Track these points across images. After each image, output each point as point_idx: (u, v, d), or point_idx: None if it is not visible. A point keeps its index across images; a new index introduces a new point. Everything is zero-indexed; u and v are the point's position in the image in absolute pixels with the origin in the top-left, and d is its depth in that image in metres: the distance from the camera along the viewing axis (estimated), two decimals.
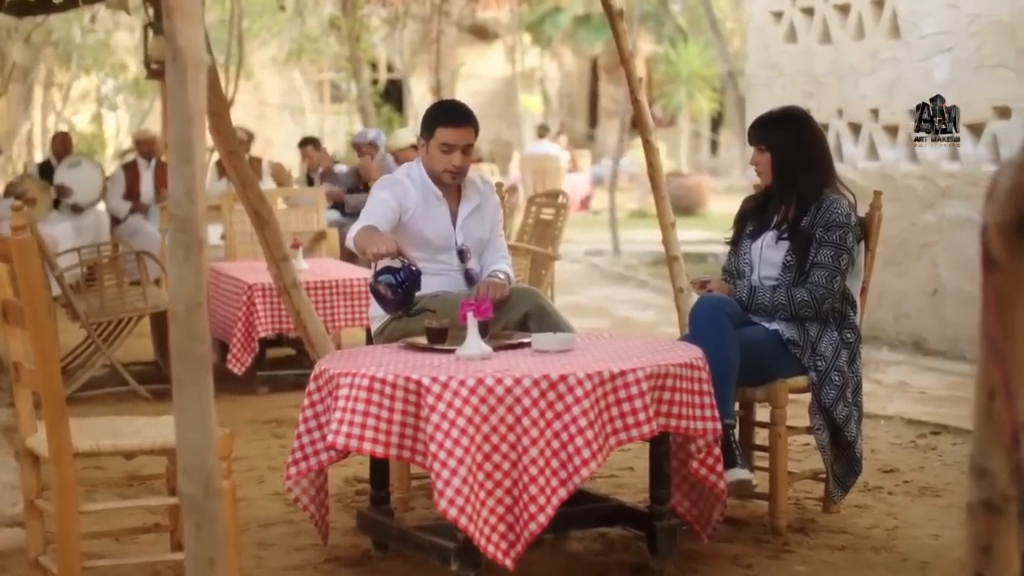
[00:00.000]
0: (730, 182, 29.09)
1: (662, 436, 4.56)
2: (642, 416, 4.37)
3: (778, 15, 10.63)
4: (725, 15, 24.44)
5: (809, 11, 10.28)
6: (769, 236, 5.36)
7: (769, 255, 5.34)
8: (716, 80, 26.31)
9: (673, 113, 28.89)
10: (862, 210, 5.50)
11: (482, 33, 29.52)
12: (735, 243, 5.54)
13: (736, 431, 5.16)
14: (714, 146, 34.14)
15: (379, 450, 4.38)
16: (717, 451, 4.70)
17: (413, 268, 5.09)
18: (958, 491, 5.75)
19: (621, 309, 12.48)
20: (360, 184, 12.23)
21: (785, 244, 5.29)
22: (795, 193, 5.31)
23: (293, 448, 4.69)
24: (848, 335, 5.27)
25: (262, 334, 7.89)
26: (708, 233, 17.95)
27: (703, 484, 4.77)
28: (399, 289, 5.07)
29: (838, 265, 5.19)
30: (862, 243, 5.37)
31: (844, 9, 9.91)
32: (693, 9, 28.45)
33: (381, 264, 5.13)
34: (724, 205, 22.95)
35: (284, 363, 8.82)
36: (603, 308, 12.45)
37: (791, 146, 5.32)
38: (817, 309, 5.18)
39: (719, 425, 4.64)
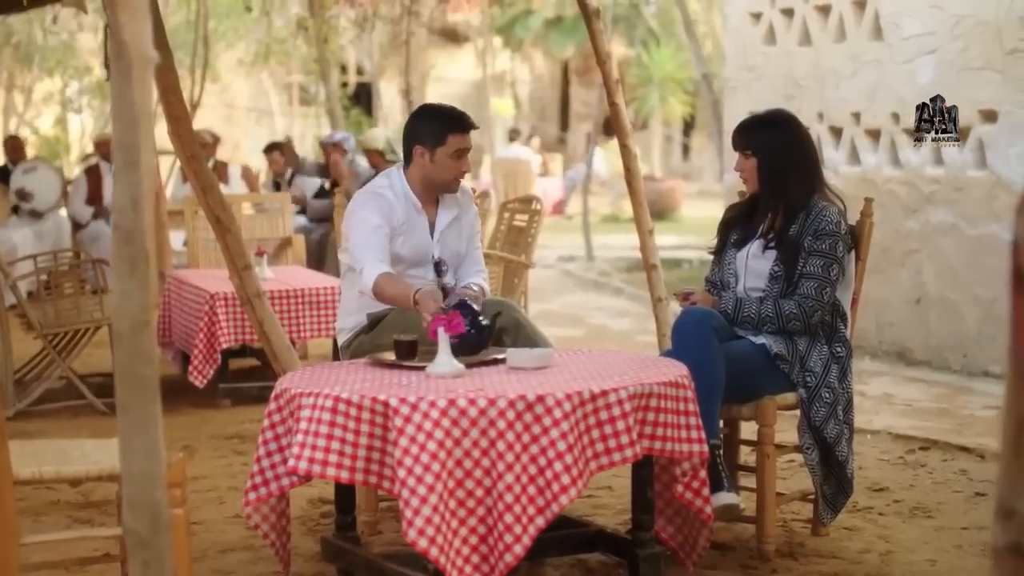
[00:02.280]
0: (702, 186, 28.95)
1: (645, 459, 4.30)
2: (625, 439, 4.10)
3: (757, 16, 10.39)
4: (698, 18, 24.21)
5: (789, 12, 10.04)
6: (755, 245, 5.09)
7: (755, 265, 5.07)
8: (689, 83, 26.11)
9: (645, 117, 28.67)
10: (851, 218, 5.25)
11: (452, 36, 29.26)
12: (719, 253, 5.27)
13: (722, 451, 4.89)
14: (686, 150, 33.96)
15: (344, 475, 4.11)
16: (703, 474, 4.43)
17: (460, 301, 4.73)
18: (951, 512, 5.52)
19: (596, 317, 12.23)
20: (325, 182, 12.01)
21: (772, 254, 5.03)
22: (783, 200, 5.05)
23: (252, 472, 4.41)
24: (839, 349, 5.00)
25: (225, 345, 7.59)
26: (682, 238, 17.76)
27: (688, 509, 4.51)
28: (471, 330, 4.67)
29: (828, 275, 4.92)
30: (853, 252, 5.11)
31: (825, 10, 9.67)
32: (665, 12, 28.24)
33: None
34: (698, 210, 22.80)
35: (248, 374, 8.52)
36: (577, 316, 12.19)
37: (779, 151, 5.06)
38: (806, 322, 4.92)
39: (705, 448, 4.38)
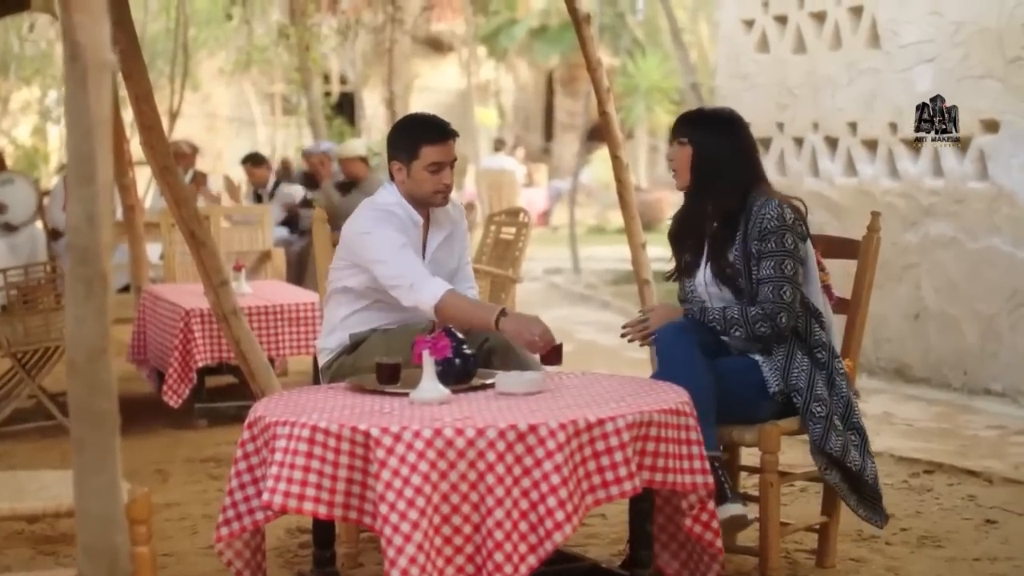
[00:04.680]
0: None
1: (644, 492, 4.01)
2: (623, 471, 3.82)
3: (749, 23, 10.13)
4: (684, 27, 23.98)
5: (782, 19, 9.79)
6: (708, 276, 4.76)
7: (717, 291, 4.77)
8: (675, 93, 25.89)
9: (631, 126, 28.43)
10: (856, 233, 4.98)
11: (436, 45, 29.02)
12: (680, 273, 4.95)
13: (720, 462, 4.57)
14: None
15: (322, 510, 3.83)
16: (711, 506, 4.16)
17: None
18: (962, 541, 5.25)
19: (584, 332, 11.95)
20: (308, 192, 11.85)
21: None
22: (711, 199, 4.72)
23: (224, 506, 4.12)
24: (820, 354, 4.64)
25: (200, 364, 7.31)
26: (670, 250, 17.48)
27: (697, 543, 4.22)
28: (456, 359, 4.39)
29: (783, 273, 4.57)
30: (808, 242, 4.75)
31: (820, 17, 9.42)
32: (650, 21, 28.01)
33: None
34: None
35: (225, 393, 8.23)
36: (565, 331, 11.89)
37: (715, 147, 4.72)
38: (774, 324, 4.56)
39: (710, 479, 4.10)
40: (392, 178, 5.06)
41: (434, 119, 5.11)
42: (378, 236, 4.89)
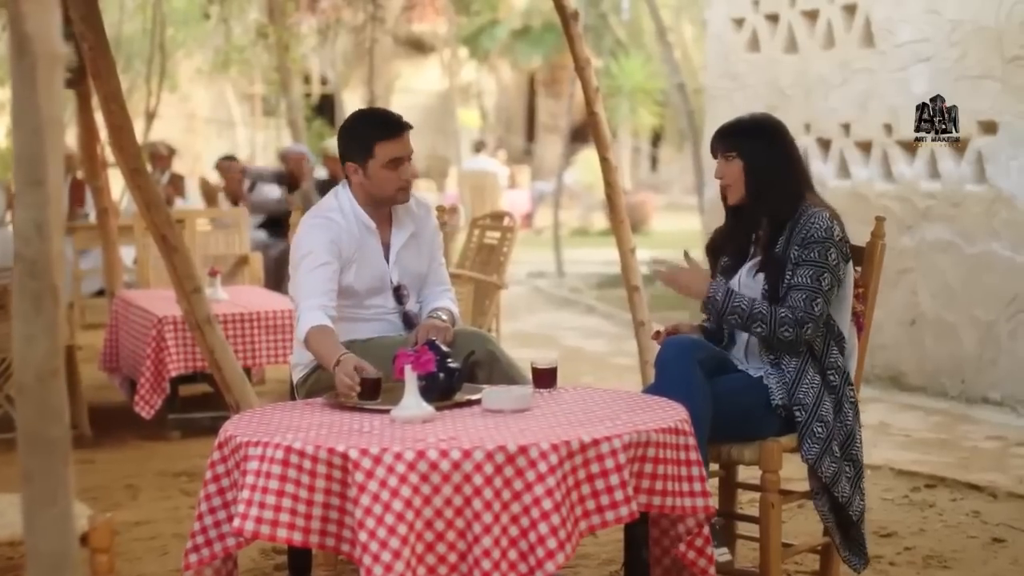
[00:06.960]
0: (671, 199, 28.53)
1: (641, 516, 3.77)
2: (619, 495, 3.58)
3: (739, 22, 9.90)
4: (668, 26, 23.76)
5: (774, 18, 9.56)
6: (745, 270, 4.56)
7: (748, 293, 4.52)
8: (659, 94, 25.69)
9: (614, 128, 28.22)
10: (860, 239, 4.74)
11: (418, 46, 28.80)
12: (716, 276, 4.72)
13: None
14: (654, 162, 33.58)
15: (297, 537, 3.57)
16: (707, 530, 3.91)
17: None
18: (969, 561, 5.03)
19: (569, 337, 11.69)
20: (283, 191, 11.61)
21: (763, 276, 4.50)
22: (768, 209, 4.51)
23: (193, 531, 3.87)
24: (832, 377, 4.42)
25: (173, 373, 7.03)
26: (655, 253, 17.26)
27: (688, 569, 3.97)
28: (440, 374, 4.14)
29: (819, 286, 4.35)
30: (850, 263, 4.55)
31: (812, 15, 9.19)
32: (634, 22, 27.80)
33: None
34: (668, 223, 22.37)
35: (200, 403, 7.95)
36: (550, 337, 11.66)
37: (765, 155, 4.52)
38: (797, 332, 4.33)
39: (710, 501, 3.86)
40: (348, 181, 4.82)
41: (385, 113, 4.90)
42: (302, 247, 4.69)
